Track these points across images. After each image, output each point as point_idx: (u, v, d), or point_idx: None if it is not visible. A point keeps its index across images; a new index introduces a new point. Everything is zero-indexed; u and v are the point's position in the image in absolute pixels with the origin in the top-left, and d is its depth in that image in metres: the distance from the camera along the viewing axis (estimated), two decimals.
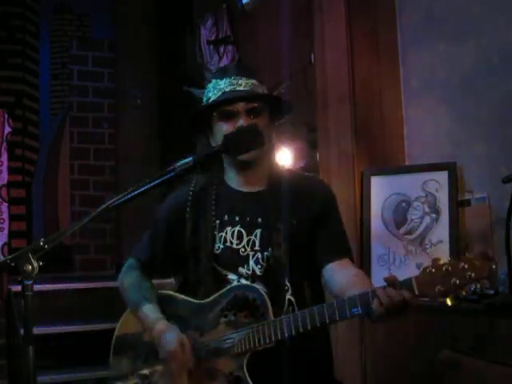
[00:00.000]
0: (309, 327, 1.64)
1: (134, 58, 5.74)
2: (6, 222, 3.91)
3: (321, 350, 1.88)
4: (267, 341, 1.69)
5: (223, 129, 1.86)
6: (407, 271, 2.54)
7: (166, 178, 1.66)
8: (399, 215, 2.63)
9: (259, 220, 1.88)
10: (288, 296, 1.82)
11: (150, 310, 1.89)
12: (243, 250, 1.87)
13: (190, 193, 1.96)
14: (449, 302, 1.49)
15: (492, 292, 2.19)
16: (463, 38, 2.51)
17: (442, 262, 1.48)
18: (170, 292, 1.98)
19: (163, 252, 1.99)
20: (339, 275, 1.81)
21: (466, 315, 2.24)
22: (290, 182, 1.93)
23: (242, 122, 1.83)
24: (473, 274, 1.44)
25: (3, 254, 3.82)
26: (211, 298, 1.84)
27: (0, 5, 6.02)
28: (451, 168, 2.52)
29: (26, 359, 1.43)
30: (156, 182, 1.65)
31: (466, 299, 2.21)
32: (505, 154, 2.34)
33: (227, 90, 1.88)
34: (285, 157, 3.25)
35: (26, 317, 1.45)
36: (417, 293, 1.50)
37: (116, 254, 5.82)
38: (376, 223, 2.67)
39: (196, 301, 1.88)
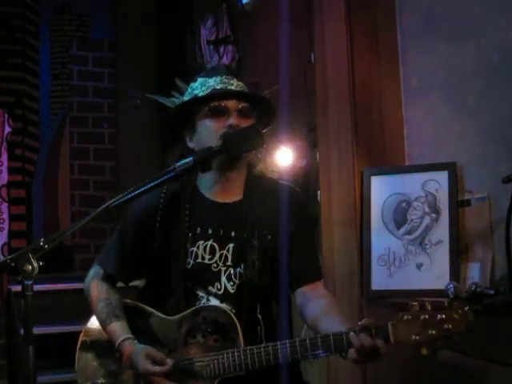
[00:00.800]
0: (281, 361, 1.60)
1: (134, 58, 5.74)
2: (6, 222, 3.91)
3: (292, 377, 1.81)
4: (237, 369, 1.65)
5: (211, 126, 1.80)
6: (407, 271, 2.55)
7: (166, 177, 1.65)
8: (399, 215, 2.62)
9: (232, 234, 1.82)
10: (257, 314, 1.80)
11: (117, 329, 1.83)
12: (215, 265, 1.81)
13: (161, 200, 1.88)
14: (424, 351, 1.44)
15: (492, 292, 2.19)
16: (463, 38, 2.51)
17: (419, 310, 1.45)
18: (137, 303, 1.92)
19: (130, 261, 1.92)
20: (312, 303, 1.77)
21: None
22: (267, 192, 1.87)
23: (232, 120, 1.78)
24: (450, 326, 1.43)
25: (3, 254, 3.82)
26: (180, 315, 1.79)
27: (0, 5, 6.01)
28: (451, 168, 2.52)
29: (26, 359, 1.43)
30: (156, 181, 1.64)
31: (466, 299, 2.22)
32: (505, 154, 2.33)
33: (218, 87, 1.82)
34: (285, 157, 3.25)
35: (25, 317, 1.45)
36: (392, 341, 1.47)
37: None
38: (376, 223, 2.67)
39: (164, 316, 1.83)
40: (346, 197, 2.79)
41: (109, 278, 1.95)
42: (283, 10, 3.44)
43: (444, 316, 1.43)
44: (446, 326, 1.42)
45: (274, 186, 1.92)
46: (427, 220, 2.55)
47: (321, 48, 2.94)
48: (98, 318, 1.90)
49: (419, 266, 2.53)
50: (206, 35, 4.40)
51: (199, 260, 1.83)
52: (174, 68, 5.23)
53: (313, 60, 3.09)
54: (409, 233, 2.58)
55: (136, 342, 1.80)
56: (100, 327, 1.90)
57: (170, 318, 1.81)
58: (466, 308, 1.44)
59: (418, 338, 1.43)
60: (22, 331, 1.49)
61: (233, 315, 1.72)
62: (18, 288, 1.48)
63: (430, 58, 2.69)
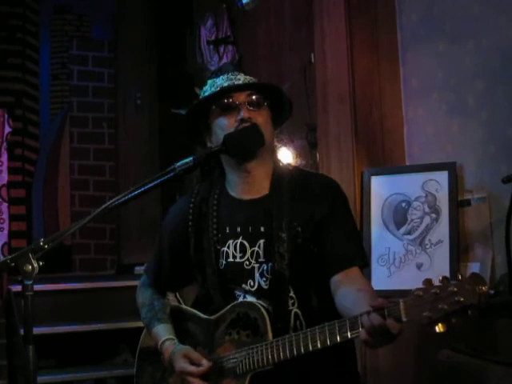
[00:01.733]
0: (302, 351, 1.58)
1: (134, 58, 5.74)
2: (6, 222, 3.91)
3: (328, 371, 1.78)
4: (265, 363, 1.64)
5: (223, 123, 1.79)
6: (407, 271, 2.55)
7: (166, 177, 1.65)
8: (399, 215, 2.63)
9: (262, 229, 1.80)
10: (294, 309, 1.77)
11: (159, 332, 1.86)
12: (247, 263, 1.80)
13: (191, 205, 1.89)
14: (439, 328, 1.38)
15: (492, 292, 2.19)
16: (463, 37, 2.51)
17: (431, 285, 1.40)
18: (181, 306, 1.96)
19: (170, 269, 1.94)
20: (342, 291, 1.71)
21: None
22: (294, 182, 1.83)
23: (242, 113, 1.76)
24: (462, 299, 1.35)
25: (3, 254, 3.82)
26: (218, 314, 1.80)
27: (0, 5, 6.01)
28: (451, 168, 2.52)
29: (26, 359, 1.43)
30: (156, 181, 1.64)
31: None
32: (505, 154, 2.34)
33: (225, 84, 1.81)
34: (285, 157, 3.25)
35: (25, 317, 1.45)
36: (404, 319, 1.42)
37: (116, 254, 5.83)
38: (376, 223, 2.67)
39: (204, 316, 1.85)
40: None
41: (154, 285, 1.99)
42: (283, 10, 3.44)
43: (455, 288, 1.36)
44: (457, 299, 1.35)
45: (302, 176, 1.88)
46: (427, 220, 2.55)
47: (321, 48, 2.94)
48: (144, 324, 1.94)
49: (419, 266, 2.53)
50: (205, 35, 4.40)
51: (231, 259, 1.82)
52: (174, 68, 5.24)
53: (313, 60, 3.09)
54: (409, 233, 2.59)
55: (176, 342, 1.82)
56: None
57: (209, 317, 1.83)
58: (480, 281, 1.36)
59: (429, 314, 1.37)
60: (22, 331, 1.49)
61: (262, 308, 1.71)
62: (18, 288, 1.48)
63: (430, 58, 2.70)
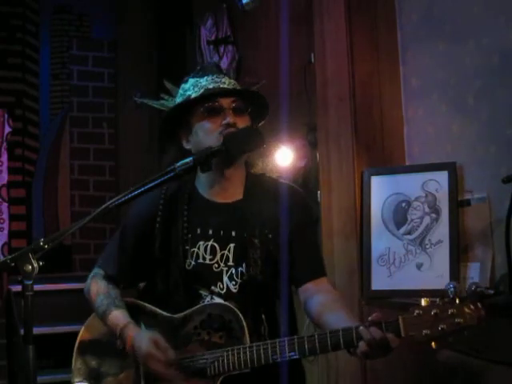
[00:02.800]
0: (287, 357, 1.59)
1: (134, 58, 5.74)
2: (6, 222, 3.92)
3: (295, 375, 1.81)
4: (242, 366, 1.64)
5: (207, 126, 1.80)
6: (407, 271, 2.55)
7: (166, 177, 1.65)
8: (399, 215, 2.62)
9: (233, 234, 1.82)
10: (261, 314, 1.79)
11: (118, 316, 1.82)
12: (216, 265, 1.81)
13: (161, 201, 1.89)
14: (434, 345, 1.45)
15: (492, 292, 2.19)
16: (463, 37, 2.51)
17: (430, 305, 1.45)
18: (138, 301, 1.91)
19: (131, 264, 1.92)
20: (315, 299, 1.75)
21: None
22: (267, 190, 1.86)
23: (228, 119, 1.78)
24: (461, 321, 1.42)
25: (3, 254, 3.82)
26: (183, 313, 1.78)
27: (0, 5, 6.01)
28: (451, 168, 2.52)
29: (26, 359, 1.43)
30: (156, 181, 1.64)
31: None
32: (505, 154, 2.33)
33: (210, 86, 1.82)
34: (285, 157, 3.25)
35: (25, 317, 1.45)
36: (403, 335, 1.46)
37: None
38: (376, 223, 2.67)
39: (166, 314, 1.82)
40: (346, 197, 2.79)
41: (110, 279, 1.94)
42: (283, 10, 3.44)
43: (455, 310, 1.42)
44: (457, 321, 1.41)
45: (274, 185, 1.91)
46: (427, 220, 2.55)
47: (321, 48, 2.94)
48: (98, 311, 1.88)
49: (419, 266, 2.53)
50: (205, 35, 4.40)
51: (200, 260, 1.82)
52: (174, 68, 5.24)
53: (313, 60, 3.09)
54: (409, 233, 2.58)
55: (143, 326, 1.79)
56: (98, 328, 1.89)
57: (173, 316, 1.80)
58: (478, 303, 1.43)
59: (428, 332, 1.43)
60: (22, 331, 1.49)
61: (239, 312, 1.71)
62: (18, 288, 1.48)
63: (430, 58, 2.69)
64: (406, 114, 2.84)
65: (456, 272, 2.40)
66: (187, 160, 1.66)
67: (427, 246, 2.52)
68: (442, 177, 2.53)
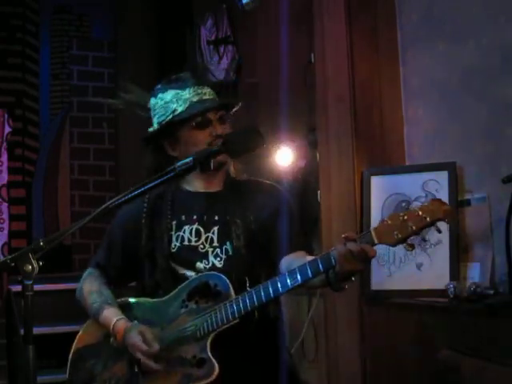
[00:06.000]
0: (272, 295, 1.66)
1: (134, 58, 5.74)
2: (6, 222, 3.92)
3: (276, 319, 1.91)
4: (230, 318, 1.71)
5: (197, 138, 1.89)
6: (407, 271, 2.55)
7: (166, 177, 1.66)
8: None
9: (216, 218, 1.91)
10: (246, 288, 1.81)
11: (111, 313, 1.90)
12: (202, 246, 1.89)
13: (146, 200, 1.97)
14: (408, 247, 1.56)
15: (492, 292, 2.19)
16: (463, 37, 2.51)
17: (398, 213, 1.55)
18: (128, 299, 1.98)
19: (121, 262, 2.00)
20: (295, 262, 1.79)
21: (466, 315, 2.24)
22: (246, 185, 1.98)
23: (217, 130, 1.89)
24: (428, 218, 1.51)
25: (3, 254, 3.82)
26: (170, 294, 1.85)
27: (0, 5, 6.02)
28: (451, 168, 2.52)
29: (26, 359, 1.43)
30: (156, 181, 1.65)
31: (466, 299, 2.22)
32: (505, 154, 2.34)
33: (195, 99, 1.92)
34: (285, 157, 3.26)
35: (25, 317, 1.45)
36: (376, 242, 1.56)
37: None
38: (376, 223, 2.66)
39: (155, 300, 1.89)
40: (346, 197, 2.79)
41: (102, 278, 2.02)
42: (283, 11, 3.44)
43: (421, 212, 1.52)
44: (424, 217, 1.51)
45: (255, 181, 2.03)
46: None
47: (321, 48, 2.94)
48: (92, 309, 1.95)
49: (419, 266, 2.53)
50: (205, 35, 4.40)
51: (186, 243, 1.90)
52: (174, 68, 5.23)
53: (313, 60, 3.09)
54: None
55: (135, 321, 1.86)
56: (92, 334, 1.96)
57: (162, 299, 1.87)
58: (442, 199, 1.54)
59: (400, 235, 1.53)
60: (22, 331, 1.49)
61: (222, 275, 1.79)
62: (18, 288, 1.48)
63: (430, 57, 2.70)
64: (406, 114, 2.84)
65: (456, 272, 2.40)
66: (187, 160, 1.68)
67: (427, 246, 2.52)
68: (442, 177, 2.53)
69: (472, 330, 2.17)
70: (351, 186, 2.78)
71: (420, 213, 1.52)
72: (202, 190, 1.96)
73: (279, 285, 1.66)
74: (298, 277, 1.63)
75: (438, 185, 2.54)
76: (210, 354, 1.73)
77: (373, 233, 1.58)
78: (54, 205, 6.68)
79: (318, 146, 3.00)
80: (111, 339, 1.88)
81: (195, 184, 1.96)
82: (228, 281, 1.77)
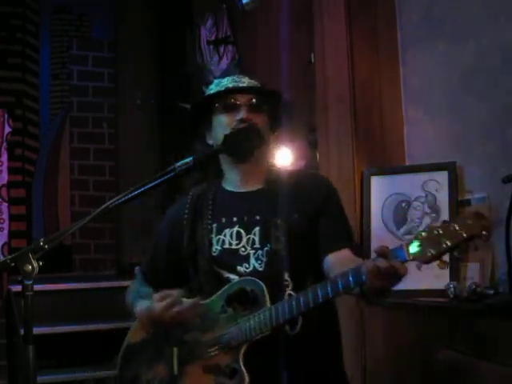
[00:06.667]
0: (303, 309, 1.61)
1: (134, 58, 5.74)
2: (6, 222, 3.92)
3: (325, 338, 1.85)
4: (263, 329, 1.67)
5: (223, 120, 1.87)
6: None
7: (166, 177, 1.66)
8: (399, 215, 2.62)
9: (257, 217, 1.86)
10: (289, 291, 1.79)
11: (143, 305, 1.88)
12: (243, 249, 1.85)
13: (188, 201, 1.97)
14: (440, 265, 1.51)
15: (492, 292, 2.19)
16: (463, 37, 2.51)
17: (432, 227, 1.45)
18: None
19: (165, 265, 2.00)
20: (337, 265, 1.76)
21: (466, 315, 2.24)
22: (289, 178, 1.92)
23: (242, 114, 1.84)
24: (464, 234, 1.41)
25: (3, 254, 3.82)
26: (212, 297, 1.82)
27: (0, 5, 6.02)
28: (451, 168, 2.52)
29: (26, 359, 1.43)
30: (156, 182, 1.65)
31: (466, 299, 2.22)
32: (505, 154, 2.34)
33: (230, 85, 1.90)
34: (285, 157, 3.25)
35: (25, 317, 1.45)
36: (408, 259, 1.48)
37: (116, 254, 5.83)
38: (376, 223, 2.67)
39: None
40: (346, 197, 2.78)
41: (146, 281, 2.05)
42: (283, 10, 3.44)
43: (457, 226, 1.41)
44: (460, 233, 1.40)
45: (298, 172, 2.01)
46: (427, 220, 2.55)
47: (321, 48, 2.94)
48: (129, 307, 1.98)
49: (419, 266, 2.52)
50: (205, 35, 4.41)
51: (226, 246, 1.87)
52: (174, 68, 5.24)
53: (313, 60, 3.09)
54: (409, 233, 2.58)
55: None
56: (138, 330, 1.95)
57: (202, 302, 1.84)
58: (480, 214, 1.42)
59: (434, 252, 1.43)
60: (22, 331, 1.49)
61: (259, 280, 1.74)
62: (18, 288, 1.48)
63: (430, 57, 2.70)
64: (406, 114, 2.84)
65: (456, 272, 2.40)
66: (187, 160, 1.67)
67: None
68: (442, 177, 2.54)
69: (472, 330, 2.17)
70: (351, 186, 2.78)
71: (457, 227, 1.41)
72: (242, 190, 1.92)
73: (310, 298, 1.60)
74: (329, 290, 1.57)
75: (438, 185, 2.54)
76: (242, 364, 1.70)
77: (404, 248, 1.48)
78: (54, 205, 6.69)
79: (318, 146, 3.00)
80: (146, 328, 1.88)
81: (234, 182, 1.93)
82: (264, 287, 1.72)
